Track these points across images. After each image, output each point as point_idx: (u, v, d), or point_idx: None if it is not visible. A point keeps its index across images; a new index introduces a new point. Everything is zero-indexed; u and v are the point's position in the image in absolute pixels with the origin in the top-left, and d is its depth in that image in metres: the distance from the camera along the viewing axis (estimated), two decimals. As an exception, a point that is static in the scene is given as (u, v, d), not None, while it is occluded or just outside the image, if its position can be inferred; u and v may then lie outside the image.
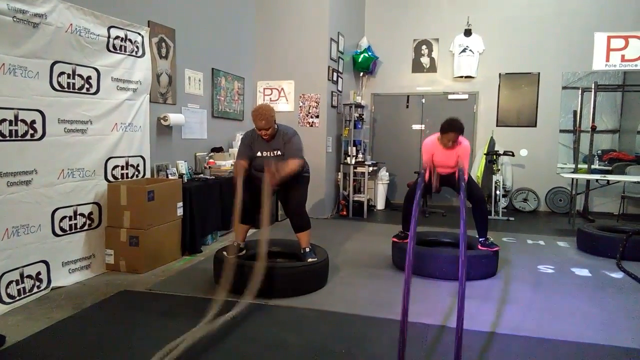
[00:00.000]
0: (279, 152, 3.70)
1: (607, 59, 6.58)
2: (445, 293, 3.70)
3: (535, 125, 7.98)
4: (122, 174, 4.34)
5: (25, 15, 3.26)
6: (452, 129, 4.02)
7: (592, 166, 7.23)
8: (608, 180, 6.64)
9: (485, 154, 7.54)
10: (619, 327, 3.09)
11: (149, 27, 4.59)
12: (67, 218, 3.78)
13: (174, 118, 4.98)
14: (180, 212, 4.51)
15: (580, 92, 7.24)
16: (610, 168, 7.51)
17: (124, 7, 4.31)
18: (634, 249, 4.71)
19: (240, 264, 3.48)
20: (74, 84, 3.76)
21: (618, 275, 4.28)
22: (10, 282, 3.26)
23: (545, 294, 3.73)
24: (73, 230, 3.85)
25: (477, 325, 3.07)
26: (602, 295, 3.72)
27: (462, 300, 2.66)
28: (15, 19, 3.19)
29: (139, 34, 4.41)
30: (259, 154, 3.73)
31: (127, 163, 4.40)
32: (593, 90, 6.94)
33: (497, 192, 7.21)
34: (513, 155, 7.48)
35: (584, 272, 4.35)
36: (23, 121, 3.33)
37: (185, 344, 2.54)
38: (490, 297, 3.65)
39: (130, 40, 4.30)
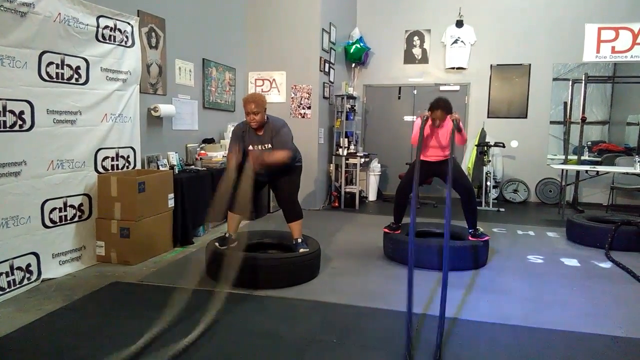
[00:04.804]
0: (269, 145, 3.68)
1: (598, 51, 6.61)
2: (436, 283, 3.72)
3: (525, 117, 8.01)
4: (112, 165, 4.31)
5: (13, 4, 3.21)
6: (438, 107, 4.07)
7: (582, 157, 7.29)
8: (597, 171, 6.70)
9: (476, 145, 7.57)
10: (608, 316, 3.13)
11: (138, 16, 4.54)
12: (57, 209, 3.76)
13: (165, 109, 4.95)
14: (171, 203, 4.49)
15: (570, 84, 7.28)
16: (599, 159, 7.58)
17: (113, -4, 4.26)
18: (623, 239, 4.77)
19: (231, 255, 3.48)
20: (62, 74, 3.72)
21: (607, 265, 4.33)
22: (0, 274, 3.24)
23: (535, 284, 3.77)
24: (63, 222, 3.82)
25: (467, 315, 3.10)
26: (591, 285, 3.76)
27: (444, 288, 2.69)
28: (2, 8, 3.14)
29: (129, 23, 4.36)
30: (250, 147, 3.71)
31: (117, 154, 4.37)
32: (583, 81, 6.98)
33: (488, 183, 7.26)
34: (504, 146, 7.52)
35: (573, 262, 4.40)
36: (11, 112, 3.29)
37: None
38: (480, 286, 3.68)
39: (119, 30, 4.25)
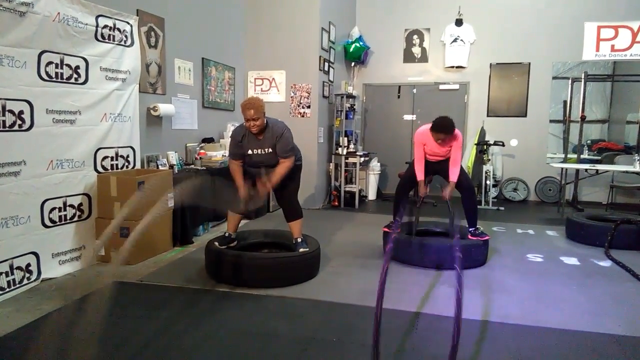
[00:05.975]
0: (269, 150, 3.66)
1: (597, 49, 6.61)
2: (435, 282, 3.72)
3: (525, 116, 8.01)
4: (111, 165, 4.31)
5: (12, 3, 3.21)
6: (443, 130, 4.01)
7: (582, 156, 7.29)
8: (597, 170, 6.70)
9: (475, 144, 7.56)
10: (607, 315, 3.13)
11: (137, 16, 4.54)
12: (57, 209, 3.76)
13: (164, 108, 4.95)
14: (171, 203, 4.49)
15: (570, 82, 7.28)
16: (599, 158, 7.58)
17: (112, -4, 4.26)
18: (622, 237, 4.77)
19: (231, 254, 3.49)
20: (62, 73, 3.72)
21: (606, 263, 4.33)
22: (0, 273, 3.24)
23: (534, 283, 3.77)
24: (63, 222, 3.82)
25: (467, 314, 3.09)
26: (591, 284, 3.76)
27: (460, 289, 2.69)
28: (1, 8, 3.14)
29: (128, 22, 4.36)
30: (249, 151, 3.69)
31: (116, 154, 4.37)
32: (583, 80, 6.97)
33: (487, 182, 7.26)
34: (503, 145, 7.52)
35: (573, 261, 4.40)
36: (11, 111, 3.29)
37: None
38: (480, 285, 3.68)
39: (118, 30, 4.24)
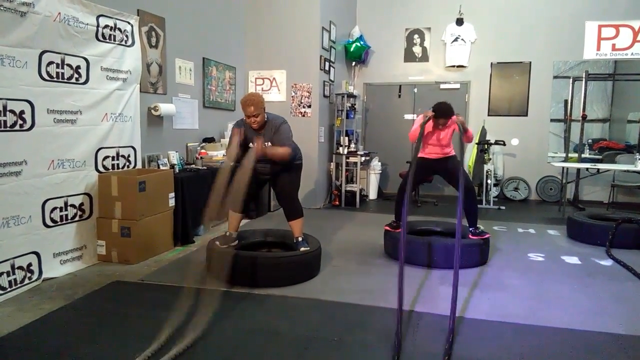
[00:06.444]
0: (269, 144, 3.68)
1: (598, 48, 6.60)
2: (436, 281, 3.72)
3: (526, 115, 8.00)
4: (112, 165, 4.32)
5: (12, 3, 3.21)
6: (443, 115, 4.06)
7: (583, 155, 7.28)
8: (598, 169, 6.70)
9: (476, 144, 7.56)
10: (608, 314, 3.13)
11: (138, 15, 4.54)
12: (58, 209, 3.76)
13: (165, 108, 4.95)
14: (172, 202, 4.49)
15: (571, 81, 7.28)
16: (600, 157, 7.57)
17: (113, -4, 4.26)
18: (623, 236, 4.76)
19: (233, 254, 3.49)
20: (63, 73, 3.72)
21: (607, 262, 4.32)
22: (1, 273, 3.24)
23: (536, 282, 3.77)
24: (64, 221, 3.83)
25: (468, 313, 3.10)
26: (592, 283, 3.76)
27: (455, 288, 2.70)
28: (2, 8, 3.14)
29: (129, 22, 4.36)
30: (250, 144, 3.71)
31: (117, 153, 4.37)
32: (584, 79, 6.96)
33: (489, 181, 7.25)
34: (504, 144, 7.51)
35: (574, 260, 4.40)
36: (12, 111, 3.30)
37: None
38: (481, 284, 3.68)
39: (119, 29, 4.25)
